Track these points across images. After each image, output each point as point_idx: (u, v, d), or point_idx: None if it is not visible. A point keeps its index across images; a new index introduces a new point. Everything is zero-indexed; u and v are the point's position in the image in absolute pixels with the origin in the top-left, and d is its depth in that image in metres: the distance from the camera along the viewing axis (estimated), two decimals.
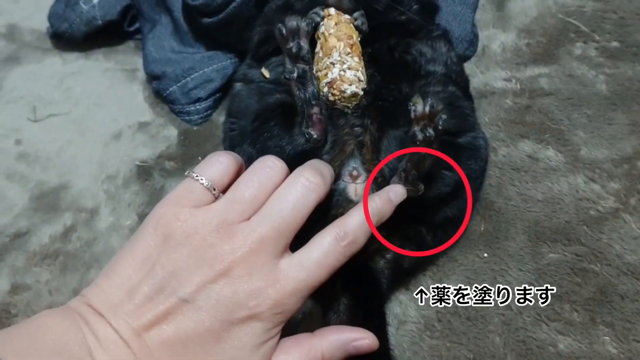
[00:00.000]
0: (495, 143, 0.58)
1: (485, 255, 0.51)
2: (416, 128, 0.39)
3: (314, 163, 0.39)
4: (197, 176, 0.36)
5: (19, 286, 0.53)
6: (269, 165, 0.37)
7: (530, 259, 0.50)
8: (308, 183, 0.36)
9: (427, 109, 0.38)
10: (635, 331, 0.45)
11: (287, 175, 0.37)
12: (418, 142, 0.39)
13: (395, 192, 0.40)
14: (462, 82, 0.54)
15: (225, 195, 0.36)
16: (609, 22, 0.68)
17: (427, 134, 0.38)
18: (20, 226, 0.57)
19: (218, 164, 0.38)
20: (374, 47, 0.51)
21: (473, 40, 0.66)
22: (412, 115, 0.39)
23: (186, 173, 0.37)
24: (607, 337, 0.45)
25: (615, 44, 0.66)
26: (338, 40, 0.43)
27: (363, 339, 0.37)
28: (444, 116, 0.38)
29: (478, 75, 0.65)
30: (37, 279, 0.53)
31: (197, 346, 0.32)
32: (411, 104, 0.39)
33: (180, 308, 0.32)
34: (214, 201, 0.36)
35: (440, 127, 0.38)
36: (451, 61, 0.53)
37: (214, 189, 0.36)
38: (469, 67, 0.66)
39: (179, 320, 0.32)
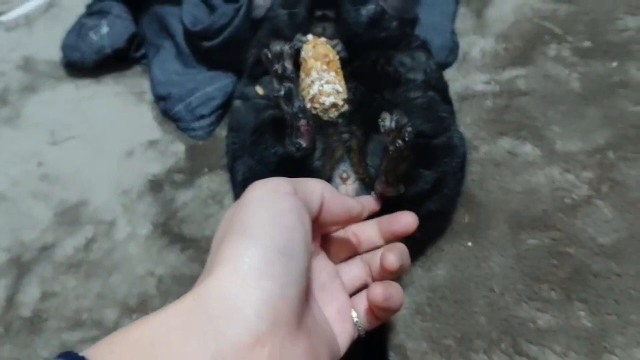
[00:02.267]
0: (476, 141, 0.63)
1: (470, 244, 0.55)
2: (387, 140, 0.44)
3: None
4: None
5: (48, 293, 0.59)
6: None
7: (511, 245, 0.54)
8: None
9: (393, 124, 0.43)
10: (607, 305, 0.49)
11: None
12: (390, 152, 0.44)
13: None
14: (441, 87, 0.59)
15: None
16: (581, 24, 0.73)
17: (397, 145, 0.43)
18: (47, 240, 0.63)
19: None
20: (358, 62, 0.56)
21: (453, 48, 0.71)
22: (382, 129, 0.44)
23: None
24: (582, 312, 0.49)
25: (587, 43, 0.71)
26: (315, 60, 0.48)
27: None
28: (409, 129, 0.43)
29: (460, 79, 0.70)
30: (64, 286, 0.59)
31: None
32: (380, 120, 0.44)
33: None
34: None
35: (407, 139, 0.43)
36: (430, 69, 0.58)
37: None
38: (451, 72, 0.71)
39: None
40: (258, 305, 0.29)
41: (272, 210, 0.33)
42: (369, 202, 0.46)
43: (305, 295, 0.35)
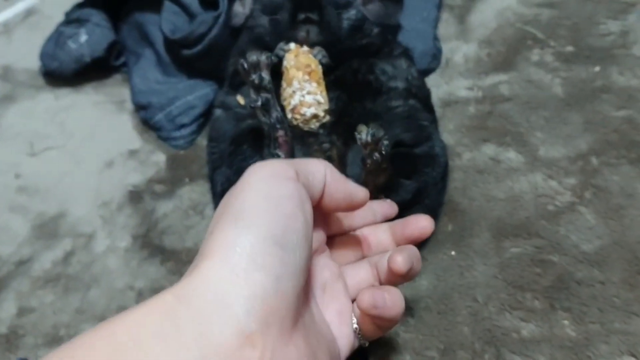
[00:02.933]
0: (459, 148, 0.63)
1: (453, 253, 0.55)
2: (365, 153, 0.43)
3: None
4: None
5: (25, 309, 0.57)
6: None
7: (494, 253, 0.54)
8: None
9: (369, 137, 0.43)
10: (591, 314, 0.49)
11: None
12: (368, 165, 0.43)
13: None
14: (423, 95, 0.59)
15: None
16: (563, 28, 0.73)
17: (374, 158, 0.42)
18: (24, 254, 0.62)
19: None
20: (340, 71, 0.55)
21: (436, 54, 0.71)
22: (358, 142, 0.43)
23: None
24: (565, 321, 0.49)
25: (569, 48, 0.71)
26: (297, 70, 0.48)
27: None
28: (385, 142, 0.42)
29: (443, 85, 0.70)
30: (42, 302, 0.58)
31: None
32: (356, 133, 0.44)
33: None
34: None
35: (383, 152, 0.42)
36: (412, 76, 0.58)
37: None
38: (434, 78, 0.70)
39: None
40: (248, 300, 0.26)
41: (269, 196, 0.30)
42: (382, 207, 0.44)
43: (304, 292, 0.32)
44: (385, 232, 0.42)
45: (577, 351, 0.47)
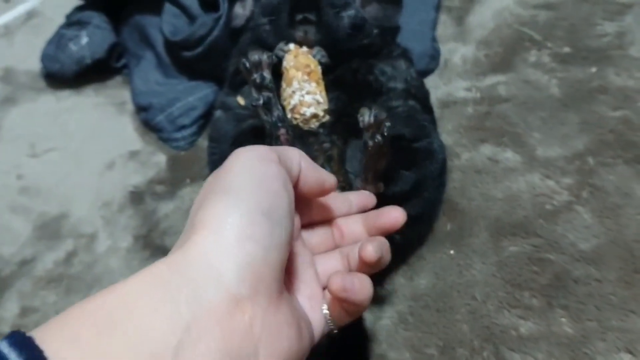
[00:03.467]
0: (458, 148, 0.63)
1: (452, 252, 0.55)
2: (366, 135, 0.44)
3: None
4: None
5: (28, 309, 0.58)
6: None
7: (493, 252, 0.55)
8: None
9: (372, 119, 0.43)
10: (588, 311, 0.50)
11: None
12: (369, 148, 0.44)
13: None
14: (422, 95, 0.59)
15: None
16: (560, 29, 0.74)
17: (376, 140, 0.43)
18: (26, 254, 0.62)
19: None
20: (340, 71, 0.56)
21: (434, 55, 0.71)
22: (361, 124, 0.44)
23: None
24: (563, 319, 0.50)
25: (566, 49, 0.71)
26: (297, 70, 0.48)
27: None
28: (387, 124, 0.43)
29: (441, 86, 0.70)
30: (44, 302, 0.58)
31: None
32: (359, 115, 0.44)
33: None
34: None
35: (385, 134, 0.43)
36: (411, 77, 0.59)
37: None
38: (432, 79, 0.71)
39: None
40: (240, 267, 0.28)
41: (256, 174, 0.32)
42: (359, 197, 0.45)
43: (287, 267, 0.33)
44: (358, 223, 0.43)
45: (575, 348, 0.47)
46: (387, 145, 0.44)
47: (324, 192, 0.39)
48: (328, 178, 0.39)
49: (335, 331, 0.38)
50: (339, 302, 0.36)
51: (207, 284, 0.27)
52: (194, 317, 0.26)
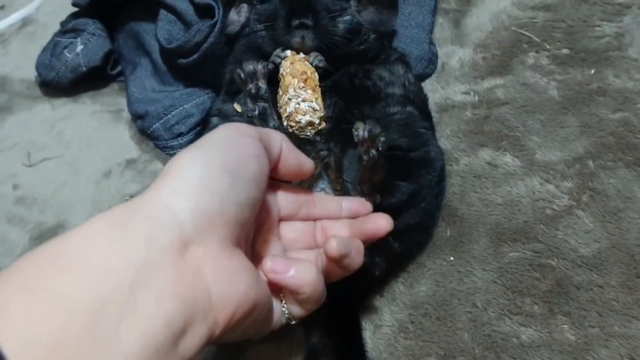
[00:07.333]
0: (456, 153, 0.63)
1: (452, 259, 0.55)
2: (361, 150, 0.43)
3: None
4: None
5: None
6: None
7: (493, 258, 0.54)
8: None
9: (366, 133, 0.43)
10: (590, 318, 0.49)
11: None
12: (365, 162, 0.43)
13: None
14: (420, 101, 0.59)
15: None
16: (558, 31, 0.73)
17: (371, 155, 0.43)
18: None
19: None
20: (337, 77, 0.55)
21: (432, 59, 0.71)
22: (355, 139, 0.44)
23: None
24: (565, 326, 0.49)
25: (565, 51, 0.71)
26: (293, 77, 0.48)
27: None
28: (382, 138, 0.43)
29: (439, 90, 0.70)
30: None
31: None
32: (353, 129, 0.44)
33: None
34: None
35: (380, 149, 0.42)
36: (409, 82, 0.58)
37: None
38: (430, 83, 0.71)
39: None
40: (193, 212, 0.29)
41: (229, 139, 0.34)
42: (352, 203, 0.46)
43: (249, 234, 0.36)
44: (344, 226, 0.44)
45: (577, 355, 0.47)
46: (383, 158, 0.43)
47: (303, 174, 0.42)
48: (307, 161, 0.41)
49: (293, 322, 0.40)
50: (289, 292, 0.38)
51: (162, 224, 0.28)
52: (149, 254, 0.27)
